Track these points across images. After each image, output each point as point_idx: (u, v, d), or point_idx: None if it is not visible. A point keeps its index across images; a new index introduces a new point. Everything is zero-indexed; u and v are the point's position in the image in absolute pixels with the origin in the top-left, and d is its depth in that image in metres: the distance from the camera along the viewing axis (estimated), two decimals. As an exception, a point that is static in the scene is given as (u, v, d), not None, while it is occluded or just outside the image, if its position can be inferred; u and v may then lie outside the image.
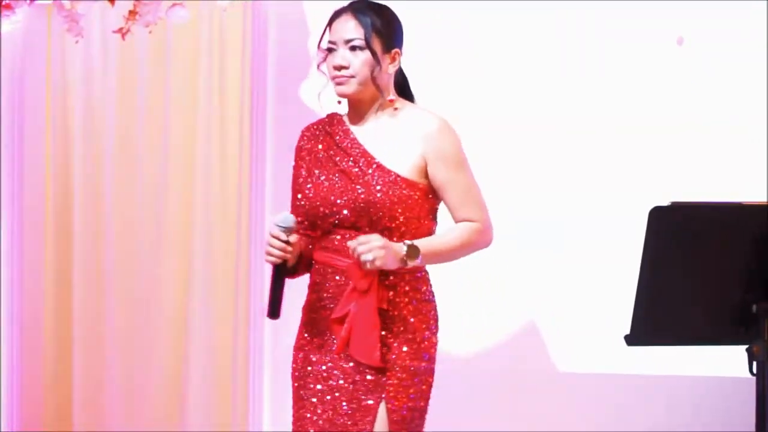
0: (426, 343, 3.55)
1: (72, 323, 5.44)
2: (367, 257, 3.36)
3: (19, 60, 5.43)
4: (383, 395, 3.51)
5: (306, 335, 3.62)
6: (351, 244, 3.39)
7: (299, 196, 3.59)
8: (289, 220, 3.46)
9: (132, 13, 5.21)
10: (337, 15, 3.55)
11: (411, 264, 3.43)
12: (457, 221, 3.55)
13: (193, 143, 5.40)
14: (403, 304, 3.53)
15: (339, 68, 3.51)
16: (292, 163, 3.67)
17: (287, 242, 3.46)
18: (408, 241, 3.43)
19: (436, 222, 3.59)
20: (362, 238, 3.39)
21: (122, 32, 5.21)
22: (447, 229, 3.56)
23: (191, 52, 5.41)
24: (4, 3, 5.13)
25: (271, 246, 3.46)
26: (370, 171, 3.51)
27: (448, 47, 5.31)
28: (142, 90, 5.43)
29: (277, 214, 3.50)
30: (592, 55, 5.24)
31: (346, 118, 3.63)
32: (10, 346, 5.42)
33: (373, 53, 3.50)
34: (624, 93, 5.22)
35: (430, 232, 3.56)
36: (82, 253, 5.44)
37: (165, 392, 5.42)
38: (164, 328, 5.42)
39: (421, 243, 3.45)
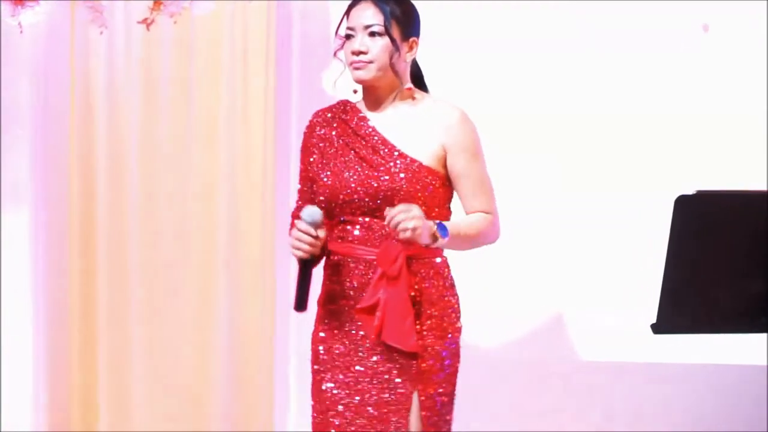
0: (451, 327, 3.57)
1: (96, 323, 5.42)
2: (407, 224, 3.34)
3: (42, 51, 5.41)
4: (413, 382, 3.51)
5: (326, 327, 3.61)
6: (391, 211, 3.36)
7: (313, 181, 3.58)
8: (317, 215, 3.46)
9: (157, 3, 5.22)
10: (355, 2, 3.56)
11: (439, 242, 3.43)
12: (468, 211, 3.58)
13: (216, 134, 5.38)
14: (429, 290, 3.54)
15: (357, 53, 3.52)
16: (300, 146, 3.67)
17: (316, 237, 3.46)
18: (437, 221, 3.44)
19: (451, 211, 3.60)
20: (402, 206, 3.37)
21: (147, 23, 5.22)
22: (464, 217, 3.57)
23: (215, 43, 5.39)
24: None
25: (300, 241, 3.45)
26: (392, 159, 3.51)
27: (464, 36, 5.28)
28: (165, 81, 5.42)
29: (303, 209, 3.50)
30: (603, 47, 5.21)
31: (361, 106, 3.63)
32: (37, 347, 5.40)
33: (392, 39, 3.51)
34: (640, 84, 5.19)
35: (447, 220, 3.55)
36: (106, 250, 5.41)
37: (190, 392, 5.40)
38: (189, 327, 5.39)
39: (448, 224, 3.46)
